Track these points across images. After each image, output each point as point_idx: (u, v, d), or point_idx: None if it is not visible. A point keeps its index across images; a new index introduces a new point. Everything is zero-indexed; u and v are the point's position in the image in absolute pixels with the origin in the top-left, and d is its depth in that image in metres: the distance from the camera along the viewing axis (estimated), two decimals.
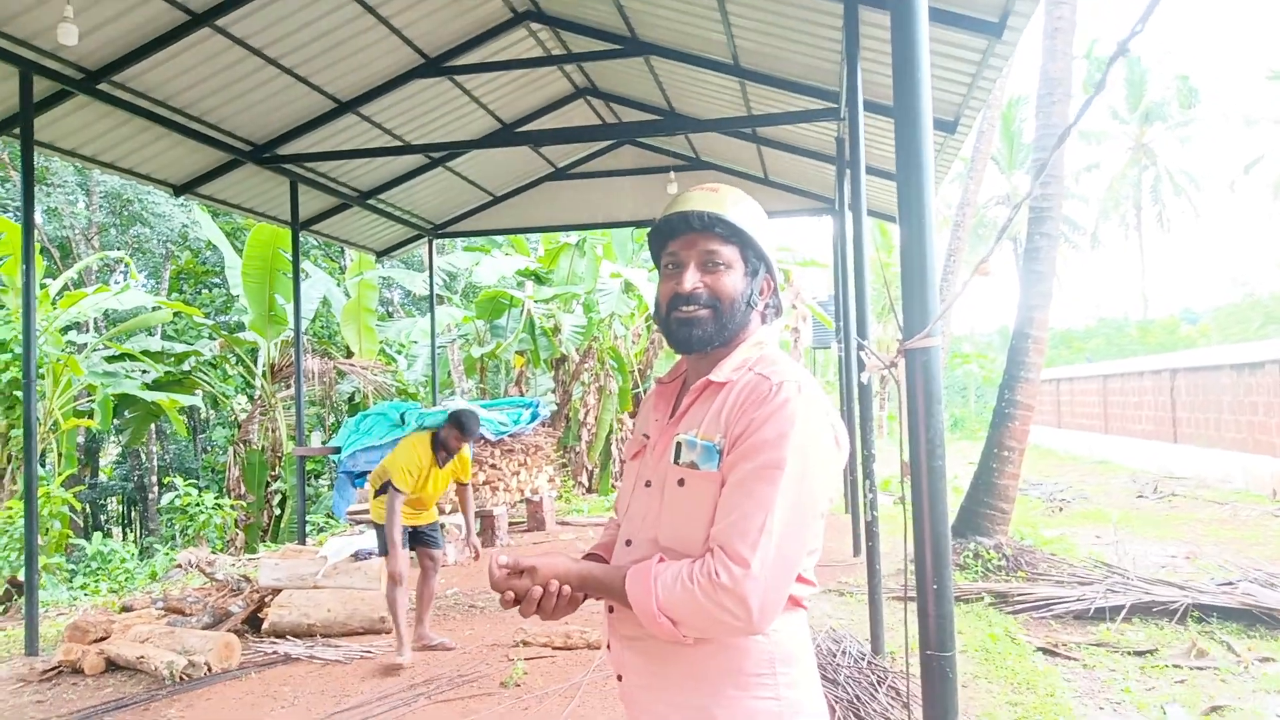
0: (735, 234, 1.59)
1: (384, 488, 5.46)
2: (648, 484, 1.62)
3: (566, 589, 1.52)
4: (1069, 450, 22.00)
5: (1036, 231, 8.16)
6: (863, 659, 4.95)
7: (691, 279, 1.58)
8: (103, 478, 19.69)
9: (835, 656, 4.96)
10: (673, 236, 1.62)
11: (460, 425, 5.41)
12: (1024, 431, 8.13)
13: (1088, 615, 6.17)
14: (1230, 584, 6.50)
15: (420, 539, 5.77)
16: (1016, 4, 4.98)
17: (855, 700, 4.40)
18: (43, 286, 12.39)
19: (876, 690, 4.52)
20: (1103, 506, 12.01)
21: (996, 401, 8.39)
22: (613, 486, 14.82)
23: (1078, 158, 37.79)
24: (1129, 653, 5.47)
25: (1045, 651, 5.52)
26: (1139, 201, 37.91)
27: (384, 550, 5.57)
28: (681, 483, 1.53)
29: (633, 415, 15.31)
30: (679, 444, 1.55)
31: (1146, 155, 37.33)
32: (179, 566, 8.87)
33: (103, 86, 6.50)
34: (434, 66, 8.00)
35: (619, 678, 1.65)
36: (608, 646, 1.69)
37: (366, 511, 8.81)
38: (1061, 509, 11.83)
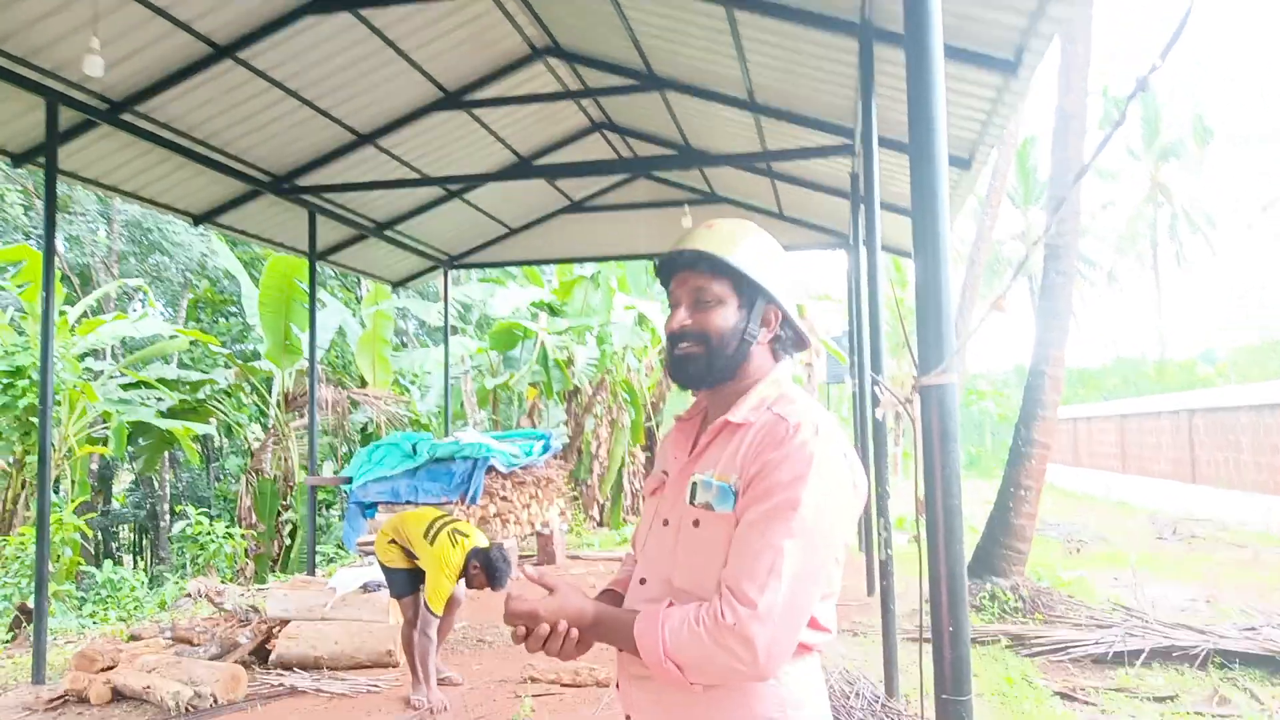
0: (724, 269, 1.59)
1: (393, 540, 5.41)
2: (665, 522, 1.61)
3: (575, 632, 1.49)
4: (1086, 490, 21.75)
5: (1053, 269, 8.12)
6: (876, 701, 4.86)
7: (680, 317, 1.61)
8: (115, 505, 19.73)
9: (848, 699, 4.87)
10: (672, 274, 1.64)
11: (491, 575, 5.09)
12: (1041, 470, 8.03)
13: (1106, 659, 6.04)
14: (1253, 629, 6.36)
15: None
16: (1031, 41, 5.00)
17: None
18: (62, 313, 12.51)
19: None
20: (1121, 548, 11.82)
21: (1013, 439, 8.30)
22: (624, 520, 14.72)
23: (1094, 195, 37.81)
24: (1149, 698, 5.34)
25: (1063, 696, 5.40)
26: (1155, 240, 37.79)
27: (394, 592, 5.49)
28: (697, 524, 1.52)
29: (645, 449, 15.24)
30: (694, 484, 1.54)
31: (1163, 193, 37.27)
32: (188, 596, 8.83)
33: (126, 117, 6.60)
34: (453, 100, 8.09)
35: (627, 718, 1.63)
36: (617, 685, 1.67)
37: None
38: (1079, 550, 11.66)
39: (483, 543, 5.29)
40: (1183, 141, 36.54)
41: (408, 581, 5.37)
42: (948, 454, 2.01)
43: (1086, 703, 5.30)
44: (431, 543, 5.15)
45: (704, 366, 1.58)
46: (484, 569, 5.09)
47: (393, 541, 5.38)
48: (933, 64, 2.24)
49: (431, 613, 5.10)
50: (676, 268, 1.62)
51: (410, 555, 5.32)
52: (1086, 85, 8.28)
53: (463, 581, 5.24)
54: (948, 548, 2.00)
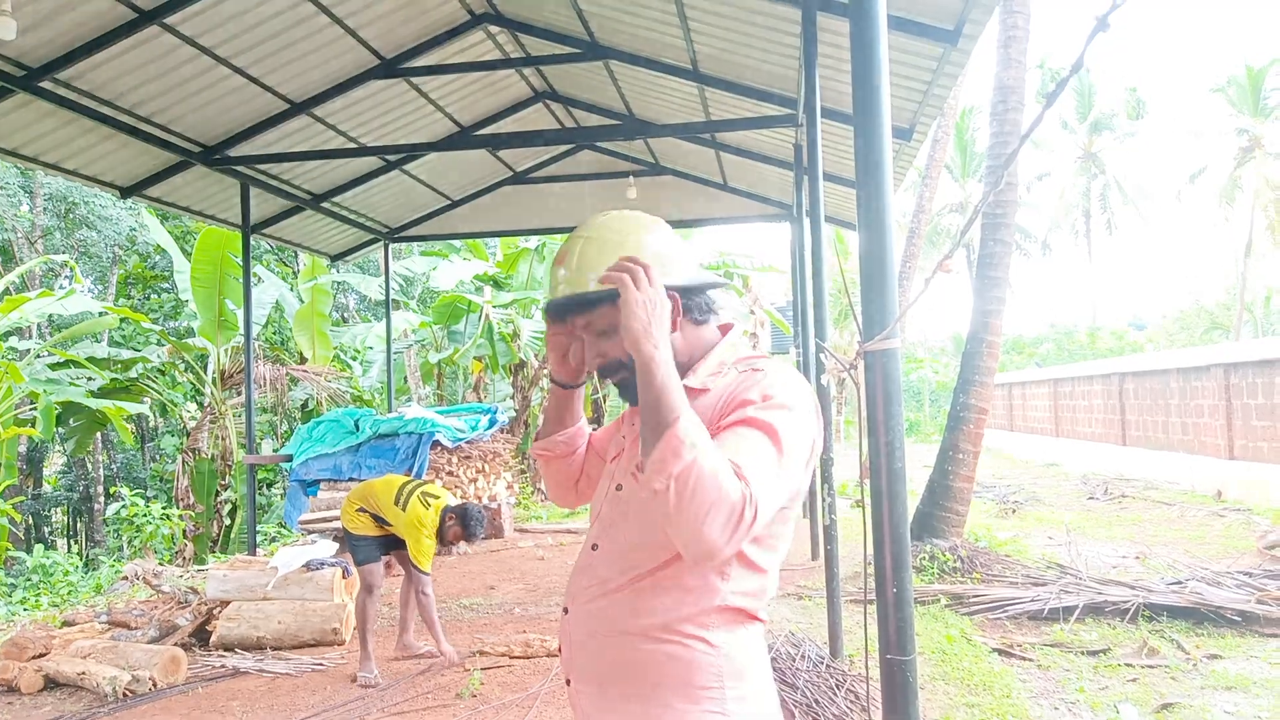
0: (597, 300, 1.52)
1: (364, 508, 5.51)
2: (619, 487, 1.61)
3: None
4: (1021, 453, 22.36)
5: (991, 238, 8.27)
6: (821, 662, 4.95)
7: (590, 358, 1.60)
8: (47, 488, 19.15)
9: (794, 660, 4.96)
10: (563, 319, 1.62)
11: (468, 527, 5.41)
12: (978, 434, 8.22)
13: (1042, 616, 6.24)
14: (1179, 583, 6.62)
15: (401, 543, 5.55)
16: (972, 12, 5.04)
17: (814, 704, 4.39)
18: None
19: (835, 694, 4.52)
20: (1055, 508, 12.20)
21: (951, 405, 8.47)
22: None
23: (1029, 166, 38.51)
24: (1082, 652, 5.54)
25: (1001, 652, 5.57)
26: (1088, 210, 38.74)
27: (359, 559, 5.51)
28: None
29: (592, 420, 15.24)
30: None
31: (1095, 164, 38.17)
32: (125, 579, 8.61)
33: (45, 84, 6.30)
34: (390, 68, 7.89)
35: (567, 681, 1.63)
36: (559, 650, 1.66)
37: (321, 520, 8.66)
38: (1015, 511, 11.99)
39: (453, 502, 5.53)
40: (1115, 113, 37.41)
41: (375, 548, 5.50)
42: (891, 417, 2.03)
43: (1023, 658, 5.47)
44: (403, 508, 5.32)
45: (635, 381, 1.54)
46: (460, 522, 5.37)
47: (361, 510, 5.48)
48: (877, 32, 2.23)
49: (423, 572, 5.35)
50: (562, 315, 1.60)
51: (380, 523, 5.45)
52: (1025, 58, 8.38)
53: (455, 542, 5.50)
54: (891, 510, 2.03)
